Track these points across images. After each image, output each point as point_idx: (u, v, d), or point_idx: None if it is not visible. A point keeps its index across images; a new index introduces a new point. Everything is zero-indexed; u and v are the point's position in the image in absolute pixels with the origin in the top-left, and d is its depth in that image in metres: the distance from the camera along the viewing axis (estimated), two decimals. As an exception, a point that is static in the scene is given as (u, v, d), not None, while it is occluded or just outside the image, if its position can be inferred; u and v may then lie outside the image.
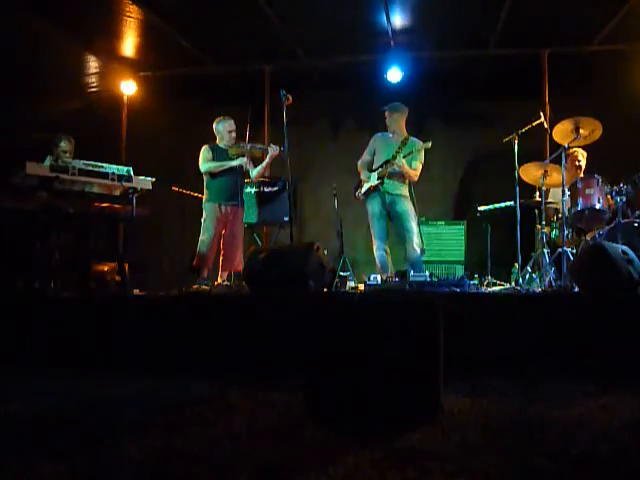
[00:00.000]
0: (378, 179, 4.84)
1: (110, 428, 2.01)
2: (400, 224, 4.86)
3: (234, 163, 4.95)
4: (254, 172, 5.15)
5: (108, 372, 2.93)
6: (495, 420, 2.03)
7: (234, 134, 5.07)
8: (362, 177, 5.05)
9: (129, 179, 4.33)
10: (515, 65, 6.44)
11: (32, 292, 4.04)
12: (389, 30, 5.93)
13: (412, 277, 4.02)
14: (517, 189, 4.62)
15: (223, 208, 4.97)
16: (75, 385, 2.71)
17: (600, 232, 4.41)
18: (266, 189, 5.86)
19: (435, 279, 3.98)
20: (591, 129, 4.44)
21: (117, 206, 4.36)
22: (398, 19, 5.75)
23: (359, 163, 5.11)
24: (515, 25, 5.62)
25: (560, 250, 4.29)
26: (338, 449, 1.72)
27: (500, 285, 4.58)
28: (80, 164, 4.15)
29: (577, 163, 5.04)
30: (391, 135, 5.03)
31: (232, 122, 5.08)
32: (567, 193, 4.40)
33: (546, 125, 4.84)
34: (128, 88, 6.80)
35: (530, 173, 4.70)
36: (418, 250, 4.82)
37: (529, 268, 4.55)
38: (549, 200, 4.94)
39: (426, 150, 4.92)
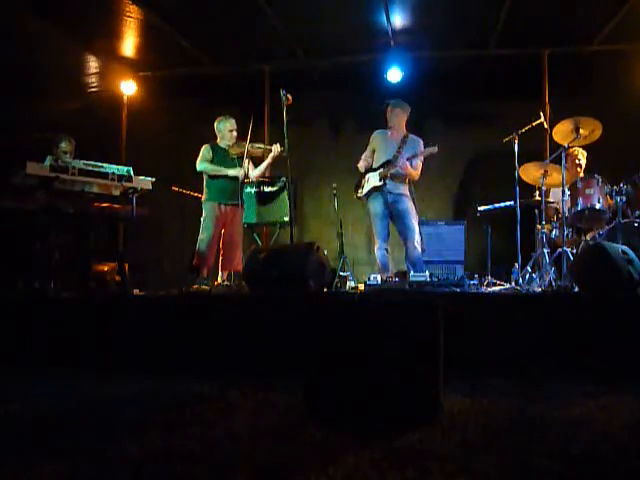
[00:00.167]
0: (380, 180, 4.84)
1: (110, 428, 2.01)
2: (402, 222, 4.87)
3: (231, 173, 4.93)
4: (254, 172, 5.15)
5: (108, 372, 2.93)
6: (495, 420, 2.03)
7: (235, 133, 5.07)
8: (362, 170, 5.04)
9: (129, 179, 4.33)
10: (515, 65, 6.45)
11: (32, 292, 4.05)
12: (389, 30, 5.93)
13: (412, 277, 4.03)
14: (517, 189, 4.62)
15: (223, 208, 4.97)
16: (75, 385, 2.71)
17: (600, 232, 4.42)
18: (266, 189, 5.87)
19: (435, 279, 3.98)
20: (591, 129, 4.44)
21: (117, 206, 4.36)
22: (398, 19, 5.76)
23: (360, 163, 5.11)
24: (515, 25, 5.63)
25: (560, 250, 4.29)
26: (338, 449, 1.72)
27: (500, 285, 4.58)
28: (80, 164, 4.15)
29: (577, 162, 5.04)
30: (390, 132, 5.03)
31: (233, 121, 5.08)
32: (567, 193, 4.40)
33: (546, 125, 4.84)
34: (128, 88, 6.81)
35: (530, 173, 4.70)
36: (419, 248, 4.83)
37: (529, 268, 4.55)
38: (549, 200, 4.94)
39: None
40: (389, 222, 4.95)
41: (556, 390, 2.47)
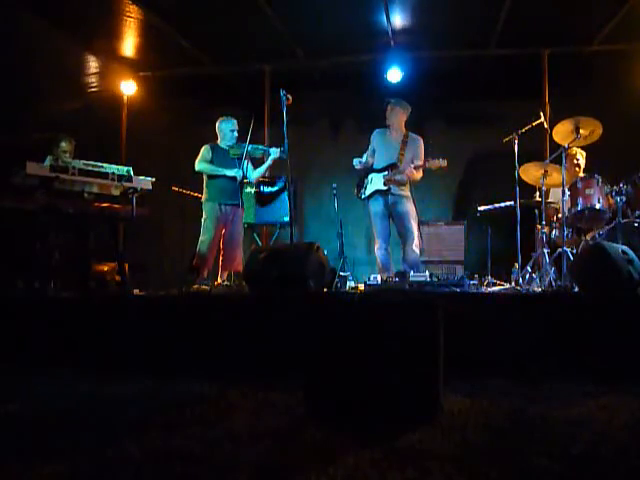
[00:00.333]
0: (385, 185, 4.83)
1: (110, 428, 2.01)
2: (402, 224, 4.87)
3: (230, 173, 4.94)
4: (254, 174, 5.15)
5: (108, 372, 2.93)
6: (495, 420, 2.03)
7: (236, 133, 5.08)
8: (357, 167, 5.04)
9: (129, 179, 4.32)
10: (515, 65, 6.44)
11: (32, 292, 4.04)
12: (389, 30, 5.94)
13: (412, 277, 4.03)
14: (517, 189, 4.62)
15: (223, 208, 4.97)
16: (75, 385, 2.71)
17: (600, 232, 4.42)
18: (266, 189, 5.87)
19: (435, 279, 3.98)
20: (591, 129, 4.44)
21: (117, 206, 4.35)
22: (398, 19, 5.76)
23: (357, 162, 5.10)
24: (515, 25, 5.63)
25: (560, 250, 4.29)
26: (338, 449, 1.72)
27: (500, 285, 4.58)
28: (80, 164, 4.15)
29: (575, 162, 5.03)
30: (389, 132, 5.03)
31: (235, 122, 5.09)
32: (567, 193, 4.40)
33: (546, 125, 4.84)
34: (128, 88, 6.81)
35: (530, 173, 4.70)
36: (417, 251, 4.84)
37: (529, 268, 4.55)
38: (549, 200, 4.94)
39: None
40: (390, 222, 4.95)
41: (556, 390, 2.47)
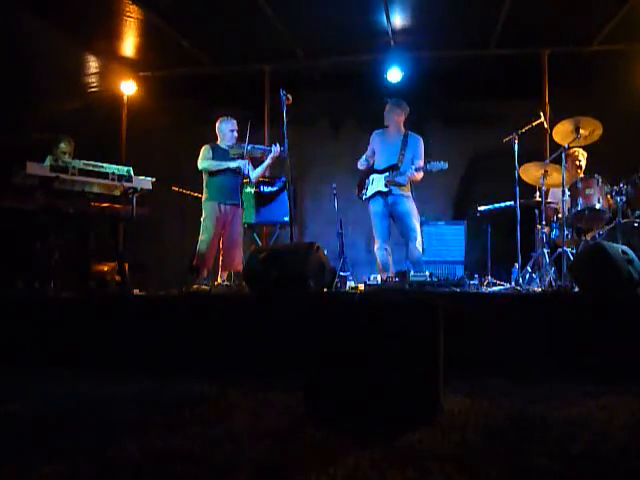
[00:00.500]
0: (386, 186, 4.84)
1: (110, 428, 2.01)
2: (403, 224, 4.87)
3: (233, 165, 4.94)
4: (254, 174, 5.15)
5: (108, 372, 2.93)
6: (495, 420, 2.03)
7: (236, 133, 5.08)
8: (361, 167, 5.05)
9: (129, 179, 4.32)
10: (515, 65, 6.44)
11: (32, 292, 4.04)
12: (389, 30, 5.94)
13: (412, 277, 4.02)
14: (517, 189, 4.62)
15: (223, 207, 4.96)
16: (75, 385, 2.71)
17: (600, 232, 4.42)
18: (266, 189, 5.87)
19: (435, 279, 3.98)
20: (591, 129, 4.44)
21: (117, 206, 4.35)
22: (398, 19, 5.76)
23: (360, 163, 5.11)
24: (515, 25, 5.63)
25: (560, 250, 4.29)
26: (338, 449, 1.72)
27: (500, 285, 4.58)
28: (80, 164, 4.15)
29: (577, 163, 5.04)
30: (389, 131, 5.03)
31: (234, 122, 5.10)
32: (567, 193, 4.40)
33: (546, 125, 4.84)
34: (128, 88, 6.81)
35: (530, 173, 4.70)
36: (420, 249, 4.85)
37: (529, 268, 4.55)
38: (549, 200, 4.94)
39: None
40: (390, 222, 4.95)
41: (556, 390, 2.47)
